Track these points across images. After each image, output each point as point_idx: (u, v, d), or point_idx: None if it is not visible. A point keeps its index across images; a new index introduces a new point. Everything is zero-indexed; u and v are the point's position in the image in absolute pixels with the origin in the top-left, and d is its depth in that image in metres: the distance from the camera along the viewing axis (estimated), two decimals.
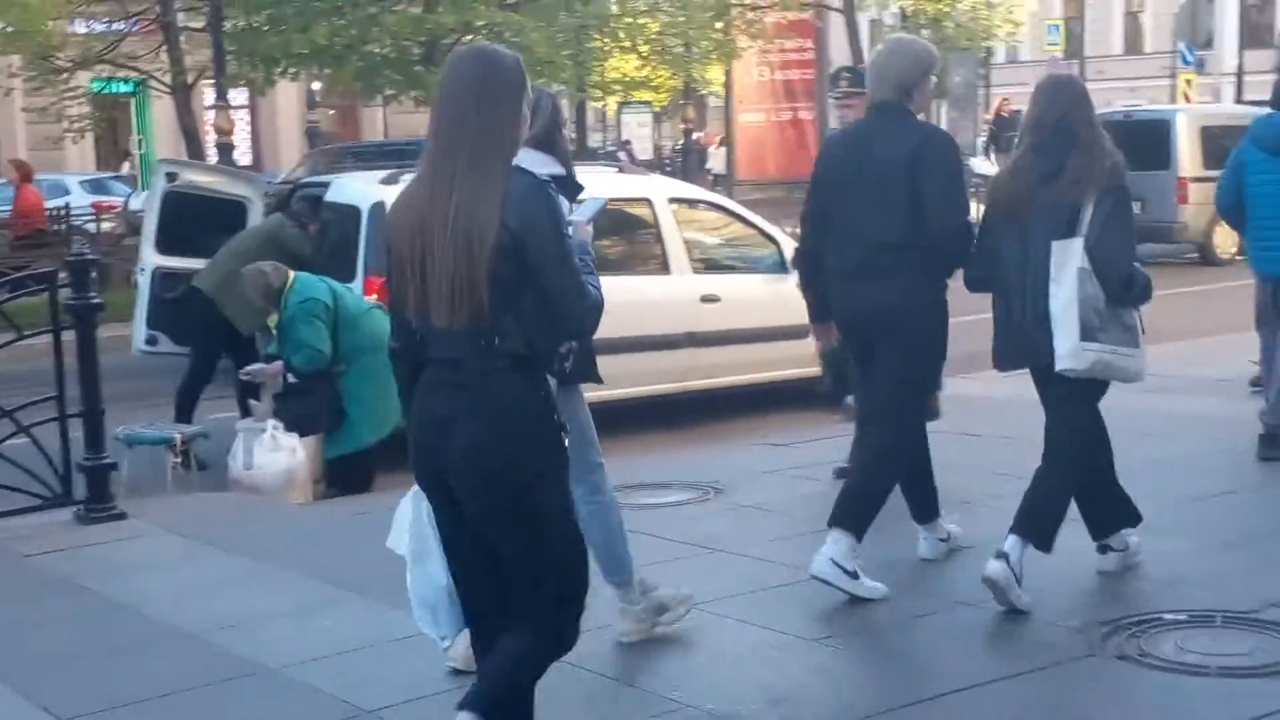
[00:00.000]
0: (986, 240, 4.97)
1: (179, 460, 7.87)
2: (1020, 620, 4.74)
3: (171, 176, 9.42)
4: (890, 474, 5.16)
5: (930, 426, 5.43)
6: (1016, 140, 5.28)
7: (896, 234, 4.94)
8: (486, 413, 3.21)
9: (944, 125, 41.14)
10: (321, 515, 7.17)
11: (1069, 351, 4.65)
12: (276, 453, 7.55)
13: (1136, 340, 4.77)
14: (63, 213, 20.15)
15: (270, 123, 33.70)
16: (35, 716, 4.31)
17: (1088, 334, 4.64)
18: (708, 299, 9.43)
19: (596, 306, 3.30)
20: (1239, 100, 28.35)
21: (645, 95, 33.05)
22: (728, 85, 29.47)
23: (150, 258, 9.28)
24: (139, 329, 9.32)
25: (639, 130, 35.17)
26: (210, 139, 21.34)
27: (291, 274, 7.71)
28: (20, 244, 17.81)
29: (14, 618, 5.36)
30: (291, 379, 7.66)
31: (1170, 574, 5.11)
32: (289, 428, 7.55)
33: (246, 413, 8.19)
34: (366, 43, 18.78)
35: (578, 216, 3.75)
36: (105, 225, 20.70)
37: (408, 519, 4.22)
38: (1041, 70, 43.49)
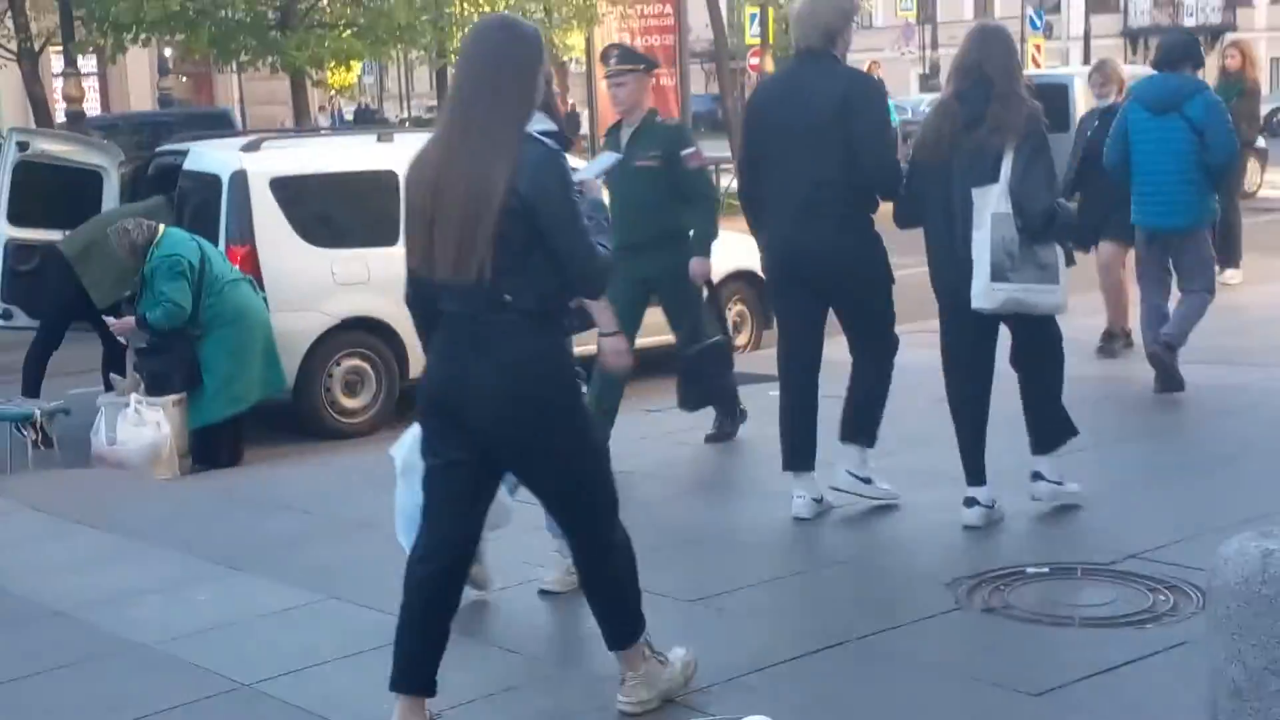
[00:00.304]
0: (914, 184, 5.26)
1: (37, 437, 7.67)
2: (887, 577, 4.86)
3: (23, 146, 9.13)
4: (888, 383, 5.53)
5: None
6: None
7: (832, 173, 5.19)
8: (506, 368, 3.43)
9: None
10: (189, 489, 7.07)
11: (980, 291, 5.07)
12: (141, 427, 7.41)
13: (1055, 277, 5.15)
14: None
15: (121, 90, 32.80)
16: None
17: (998, 274, 5.02)
18: None
19: (607, 266, 3.54)
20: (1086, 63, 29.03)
21: None
22: (588, 51, 29.37)
23: (3, 229, 9.01)
24: None
25: None
26: (59, 107, 20.73)
27: (161, 228, 7.56)
28: None
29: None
30: (150, 336, 7.52)
31: (1031, 529, 5.27)
32: (148, 388, 7.45)
33: (109, 387, 8.02)
34: (220, 8, 18.37)
35: (586, 174, 3.89)
36: None
37: (409, 437, 4.23)
38: (894, 34, 44.17)
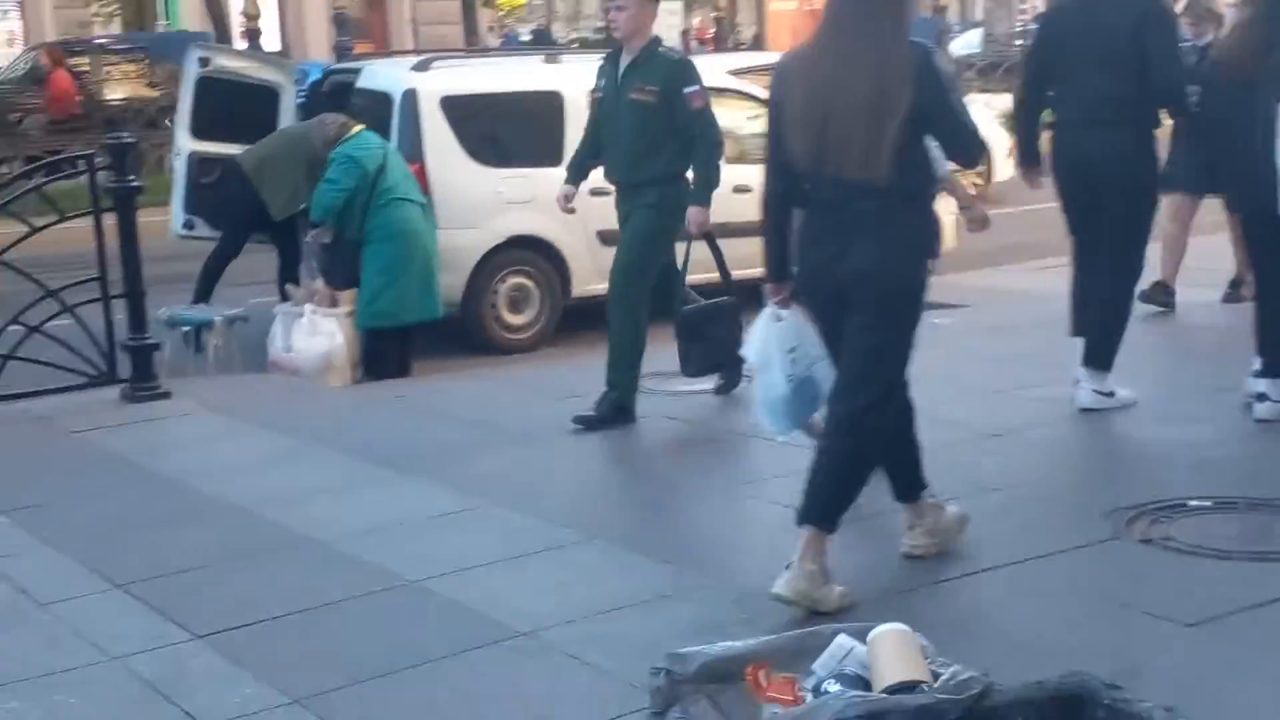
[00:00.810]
0: (1210, 100, 5.65)
1: (217, 343, 7.98)
2: (1048, 505, 4.84)
3: (204, 62, 9.41)
4: (1128, 307, 5.91)
5: None
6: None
7: (1122, 87, 5.55)
8: (884, 241, 3.91)
9: (979, 15, 40.55)
10: (359, 397, 7.31)
11: None
12: (315, 337, 7.68)
13: None
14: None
15: (297, 8, 33.43)
16: (92, 583, 4.47)
17: None
18: (740, 189, 9.42)
19: (983, 140, 4.14)
20: None
21: None
22: None
23: (185, 142, 9.32)
24: (176, 213, 9.39)
25: (668, 19, 34.84)
26: (237, 24, 21.27)
27: (357, 128, 7.76)
28: (54, 128, 17.89)
29: (65, 490, 5.52)
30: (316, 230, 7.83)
31: (1197, 460, 5.19)
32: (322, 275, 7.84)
33: (285, 298, 8.30)
34: None
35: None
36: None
37: (759, 335, 4.41)
38: None
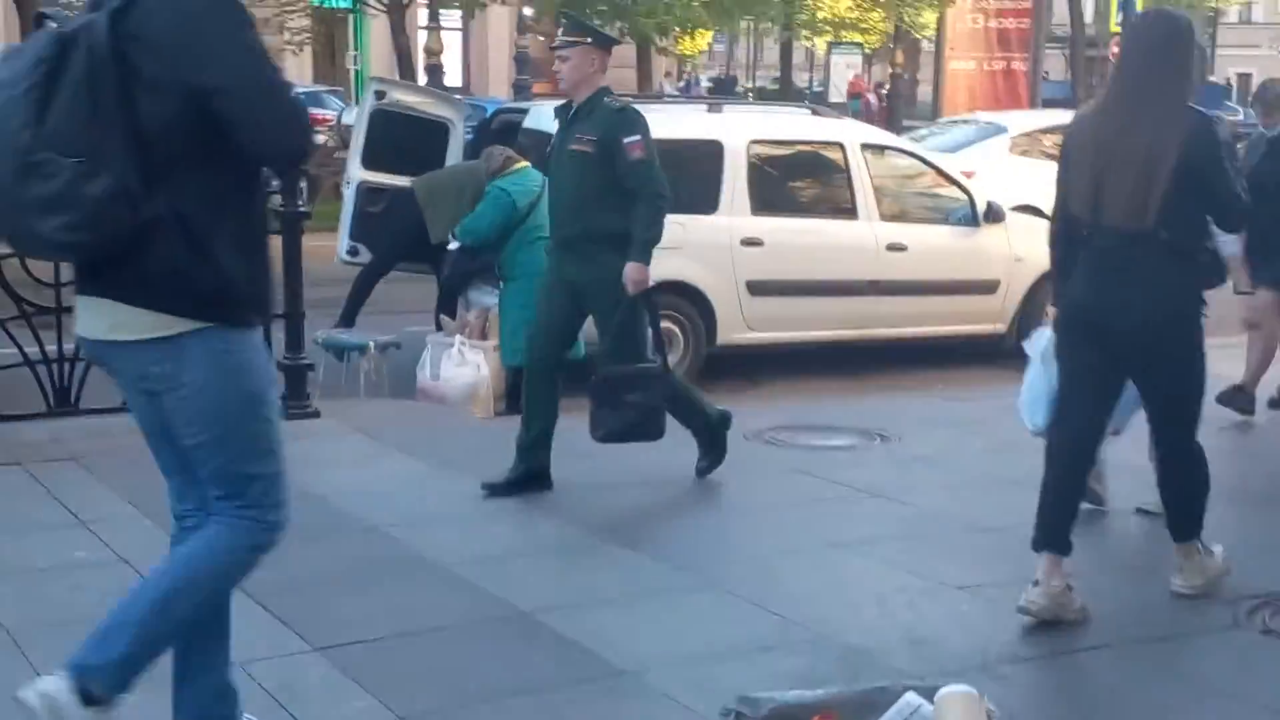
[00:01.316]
0: None
1: (369, 368, 8.24)
2: (1167, 587, 4.77)
3: (380, 95, 9.76)
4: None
5: None
6: None
7: None
8: (1153, 290, 4.28)
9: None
10: (500, 429, 7.43)
11: None
12: (462, 367, 7.89)
13: None
14: None
15: (481, 45, 34.31)
16: None
17: None
18: (894, 247, 9.44)
19: (1246, 209, 4.41)
20: None
21: (855, 37, 32.74)
22: (939, 31, 28.94)
23: (356, 172, 9.67)
24: (342, 239, 9.74)
25: (846, 72, 34.88)
26: (421, 59, 21.92)
27: (522, 164, 7.98)
28: None
29: None
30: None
31: None
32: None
33: (439, 327, 8.53)
34: None
35: None
36: (319, 138, 21.45)
37: (1045, 337, 4.97)
38: (1274, 32, 41.61)
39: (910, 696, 2.95)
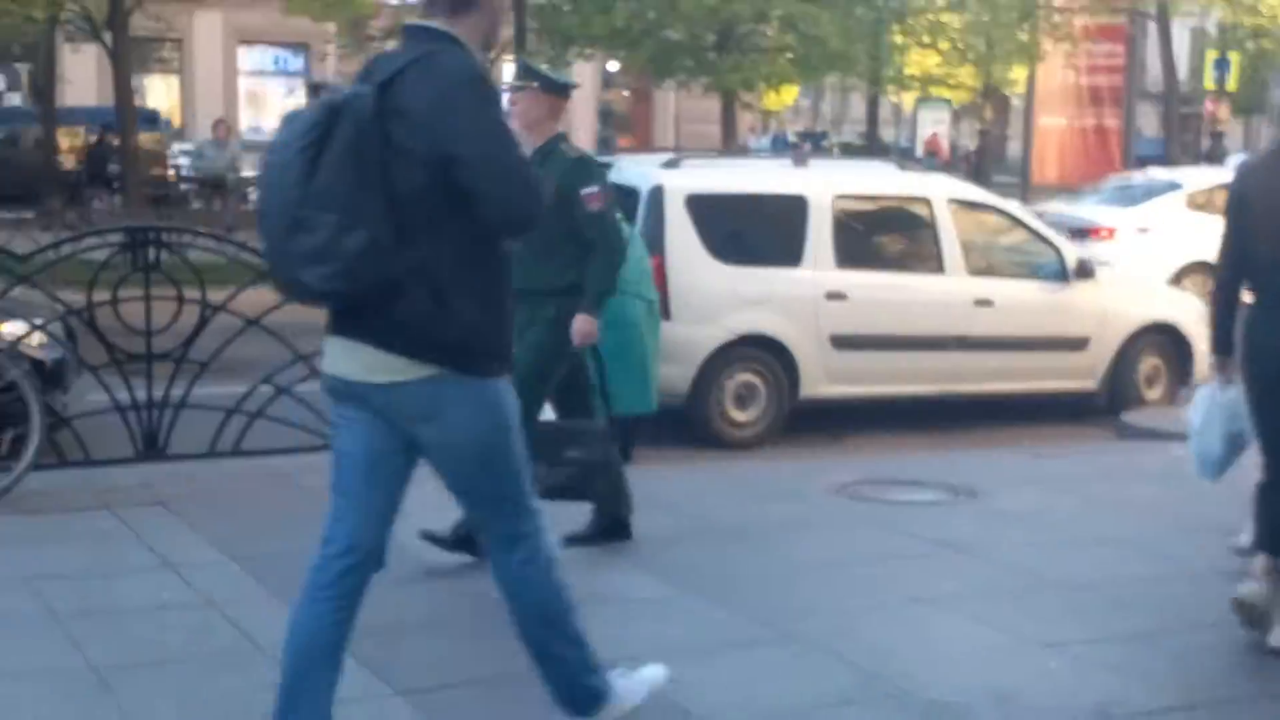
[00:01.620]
0: None
1: None
2: (1243, 650, 4.65)
3: None
4: None
5: None
6: None
7: None
8: None
9: (1263, 143, 39.22)
10: None
11: None
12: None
13: None
14: None
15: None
16: None
17: None
18: (981, 303, 9.37)
19: None
20: None
21: (944, 92, 32.68)
22: (1029, 87, 28.79)
23: None
24: None
25: (935, 128, 34.82)
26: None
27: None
28: None
29: (295, 545, 5.64)
30: None
31: None
32: None
33: None
34: (662, 28, 19.21)
35: None
36: None
37: (1204, 400, 5.24)
38: None
39: None
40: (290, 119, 3.33)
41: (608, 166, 9.81)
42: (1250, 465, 4.96)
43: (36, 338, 7.04)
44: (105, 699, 4.11)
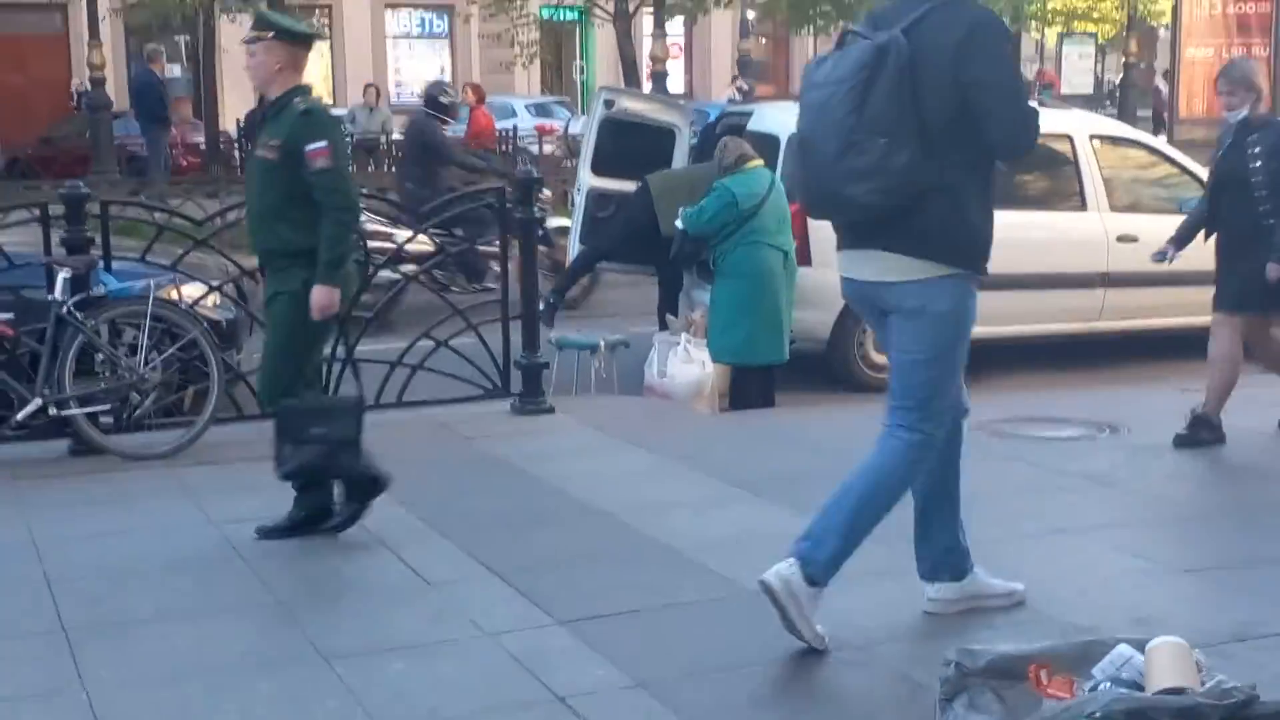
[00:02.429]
0: None
1: (599, 365, 8.56)
2: None
3: (609, 104, 10.07)
4: None
5: None
6: None
7: None
8: None
9: None
10: (725, 424, 7.70)
11: None
12: (688, 365, 8.14)
13: None
14: (510, 134, 21.66)
15: (704, 50, 34.70)
16: (474, 569, 5.01)
17: None
18: (1124, 239, 9.33)
19: None
20: None
21: (1088, 27, 31.98)
22: (1175, 17, 27.98)
23: (586, 178, 10.00)
24: (573, 244, 10.10)
25: (1079, 63, 34.10)
26: (646, 66, 22.32)
27: (755, 162, 8.05)
28: None
29: (457, 488, 6.15)
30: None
31: None
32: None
33: (664, 326, 8.80)
34: None
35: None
36: (547, 148, 22.08)
37: None
38: None
39: (1123, 648, 3.07)
40: (826, 61, 3.97)
41: (748, 115, 9.96)
42: None
43: (212, 299, 7.48)
44: (293, 630, 4.45)
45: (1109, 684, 2.91)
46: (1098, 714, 2.68)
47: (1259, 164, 6.34)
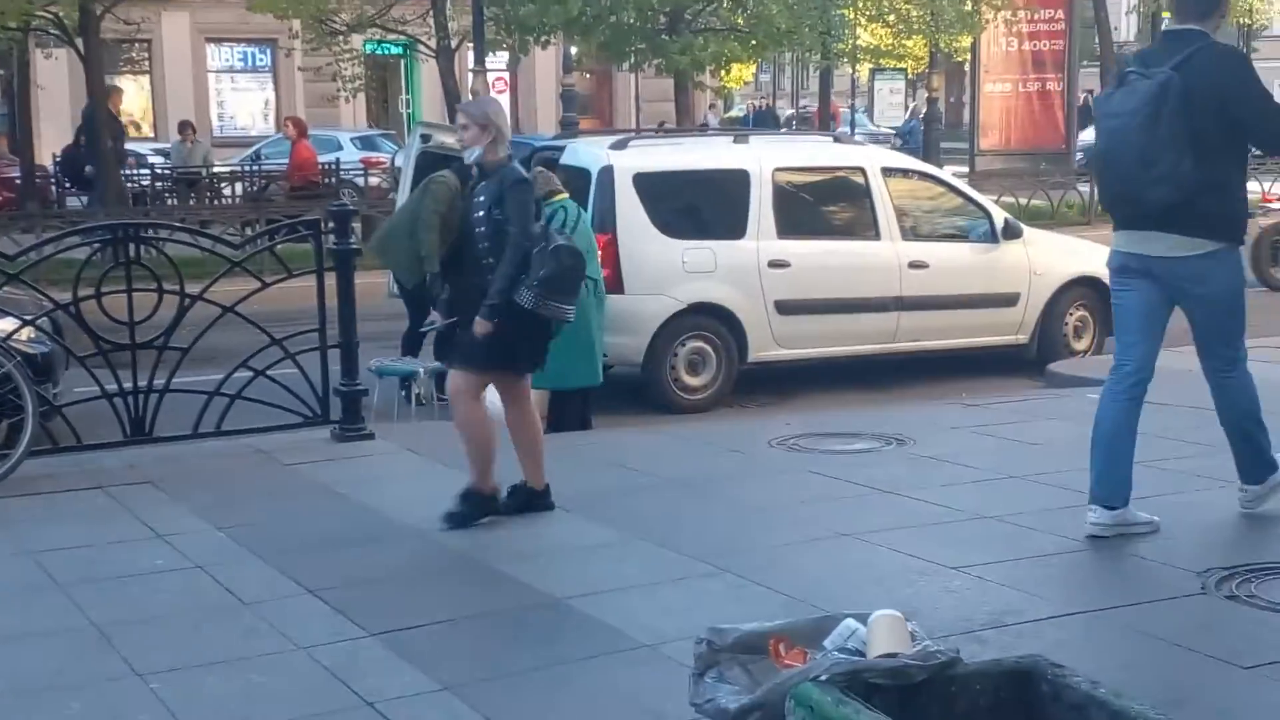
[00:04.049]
0: None
1: (419, 392, 8.78)
2: (1143, 562, 5.20)
3: (425, 138, 10.32)
4: None
5: None
6: None
7: None
8: None
9: None
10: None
11: None
12: None
13: None
14: (334, 167, 21.70)
15: (529, 84, 35.03)
16: (288, 587, 5.19)
17: None
18: (915, 265, 9.90)
19: None
20: None
21: (895, 63, 33.17)
22: (973, 55, 29.28)
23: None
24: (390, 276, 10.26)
25: (891, 97, 35.31)
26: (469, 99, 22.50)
27: (561, 196, 8.02)
28: (295, 195, 19.33)
29: (276, 513, 6.32)
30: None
31: None
32: None
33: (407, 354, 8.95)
34: (615, 12, 19.64)
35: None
36: (373, 180, 22.18)
37: None
38: None
39: (849, 622, 3.47)
40: (1109, 95, 5.36)
41: (561, 149, 10.31)
42: None
43: (26, 333, 7.51)
44: (108, 652, 4.59)
45: (837, 653, 3.29)
46: (823, 677, 3.06)
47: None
